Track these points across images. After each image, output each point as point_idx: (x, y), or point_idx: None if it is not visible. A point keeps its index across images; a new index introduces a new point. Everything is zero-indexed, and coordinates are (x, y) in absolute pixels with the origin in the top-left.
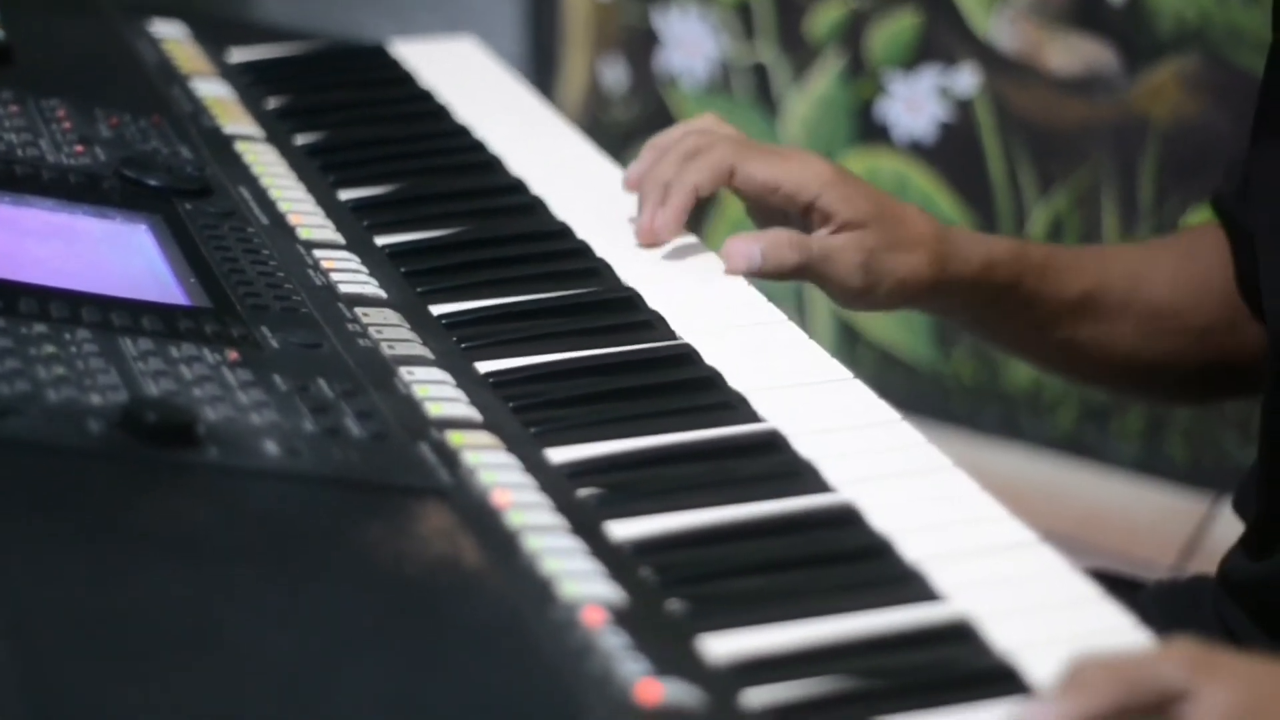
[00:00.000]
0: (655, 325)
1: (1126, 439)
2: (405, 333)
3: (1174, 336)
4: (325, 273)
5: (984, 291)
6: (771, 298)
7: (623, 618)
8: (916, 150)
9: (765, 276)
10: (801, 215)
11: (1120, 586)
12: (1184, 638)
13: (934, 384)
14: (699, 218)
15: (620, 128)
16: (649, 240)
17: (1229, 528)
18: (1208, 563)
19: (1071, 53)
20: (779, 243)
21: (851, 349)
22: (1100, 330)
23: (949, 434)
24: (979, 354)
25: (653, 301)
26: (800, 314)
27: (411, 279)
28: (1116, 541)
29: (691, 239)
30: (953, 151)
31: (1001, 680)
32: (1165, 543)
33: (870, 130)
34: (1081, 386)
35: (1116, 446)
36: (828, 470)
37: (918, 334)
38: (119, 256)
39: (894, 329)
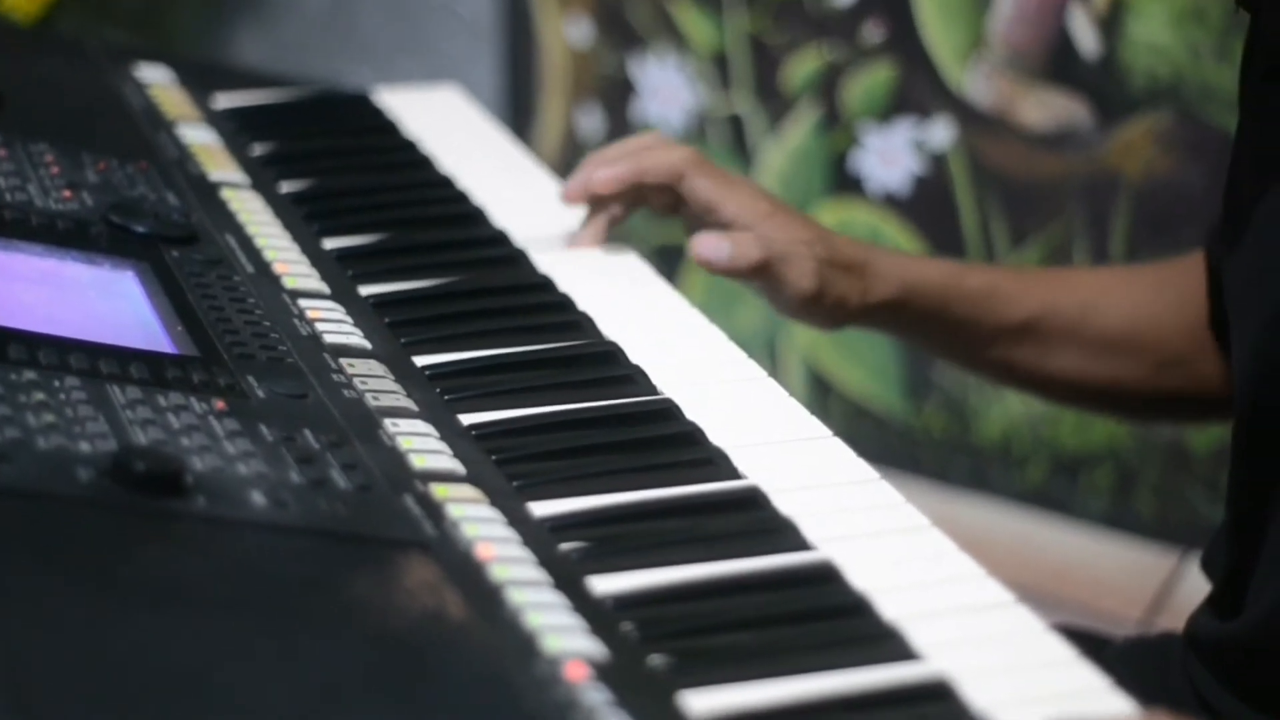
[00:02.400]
0: (637, 380)
1: (1095, 494)
2: (389, 384)
3: (1127, 363)
4: (310, 322)
5: (907, 313)
6: (744, 347)
7: (605, 673)
8: (890, 203)
9: (729, 273)
10: None
11: (1087, 643)
12: (1160, 709)
13: (904, 436)
14: (673, 272)
15: None
16: (576, 193)
17: (1196, 583)
18: (1175, 618)
19: (1045, 108)
20: (745, 240)
21: (823, 400)
22: (1042, 353)
23: (919, 486)
24: (950, 407)
25: (634, 355)
26: (773, 364)
27: (395, 329)
28: (1084, 595)
29: (672, 293)
30: (926, 204)
31: None
32: (1133, 597)
33: (844, 182)
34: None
35: (1085, 501)
36: (807, 528)
37: (889, 386)
38: (107, 303)
39: (866, 381)
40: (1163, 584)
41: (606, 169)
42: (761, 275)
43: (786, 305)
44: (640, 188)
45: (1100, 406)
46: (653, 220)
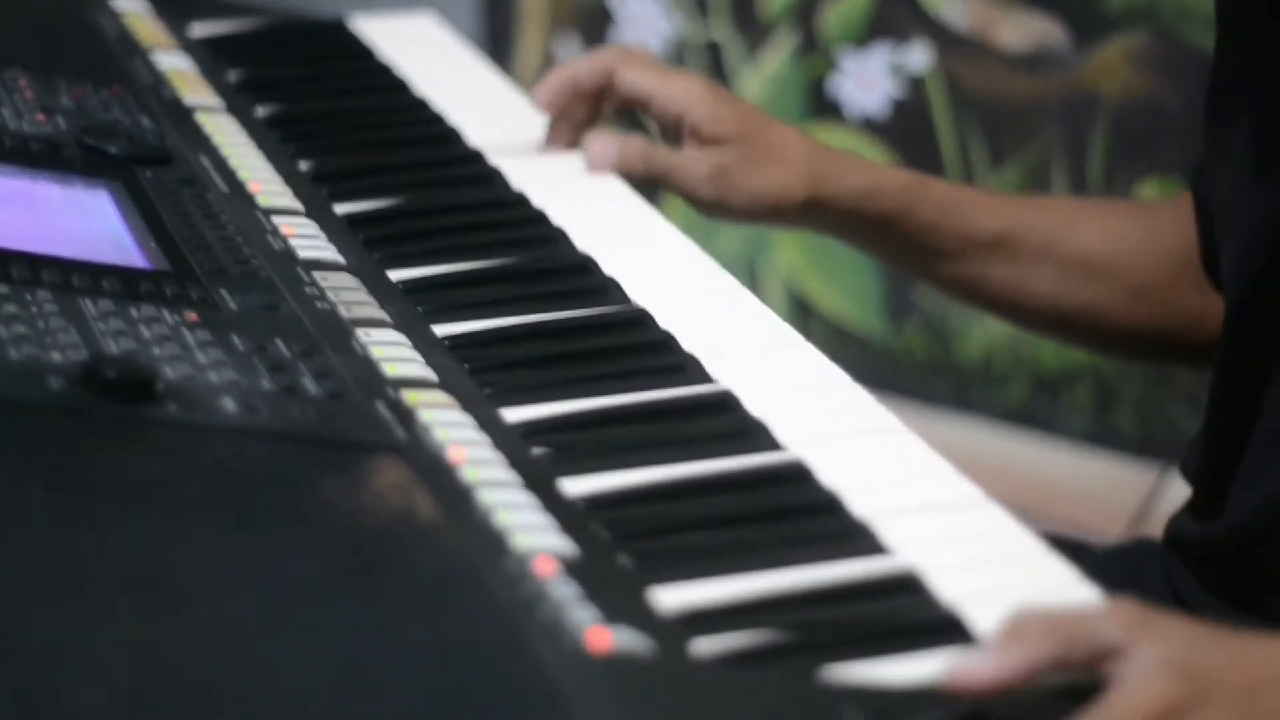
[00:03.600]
0: (610, 291)
1: (1077, 411)
2: (363, 296)
3: (1103, 289)
4: (284, 238)
5: (868, 217)
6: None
7: (574, 569)
8: (869, 127)
9: (620, 172)
10: (673, 130)
11: (1067, 550)
12: (1127, 598)
13: (886, 358)
14: (652, 195)
15: None
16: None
17: (1177, 498)
18: (1157, 532)
19: (1022, 29)
20: (633, 148)
21: (804, 323)
22: (1013, 271)
23: (901, 407)
24: (931, 327)
25: (608, 268)
26: (754, 287)
27: (370, 245)
28: (1068, 512)
29: (648, 209)
30: (905, 128)
31: (947, 630)
32: (1116, 513)
33: (823, 107)
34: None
35: (1067, 419)
36: (778, 429)
37: (870, 308)
38: (80, 221)
39: (847, 303)
40: (1145, 499)
41: (539, 90)
42: (653, 183)
43: (693, 208)
44: (580, 93)
45: (1073, 334)
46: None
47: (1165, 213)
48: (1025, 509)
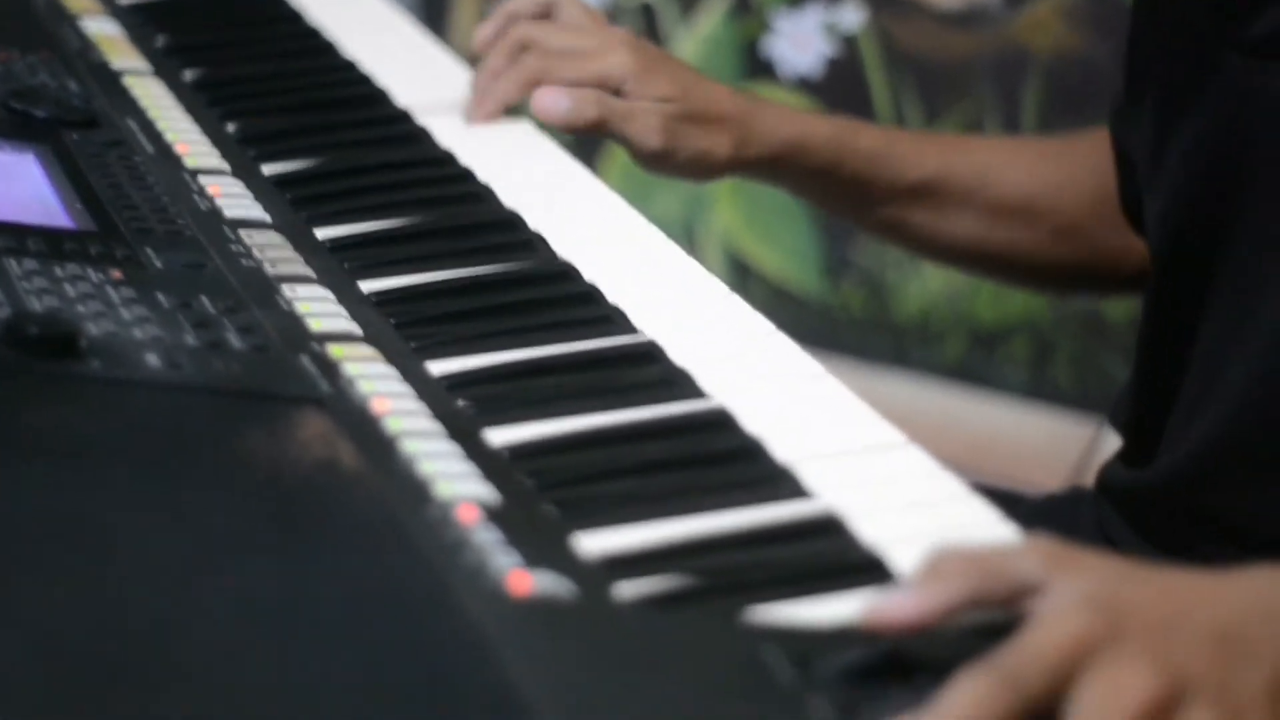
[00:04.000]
0: (536, 245)
1: (1014, 366)
2: (289, 253)
3: (1024, 230)
4: (210, 198)
5: (794, 170)
6: (662, 229)
7: (497, 516)
8: (804, 86)
9: (570, 129)
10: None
11: (1001, 501)
12: (1046, 536)
13: (823, 315)
14: (590, 154)
15: None
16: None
17: (1115, 449)
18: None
19: None
20: (585, 97)
21: (743, 283)
22: (937, 216)
23: (839, 365)
24: (868, 285)
25: (534, 223)
26: (691, 248)
27: (297, 204)
28: (1007, 467)
29: (576, 165)
30: (839, 87)
31: (869, 571)
32: (1054, 467)
33: (757, 67)
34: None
35: (1004, 374)
36: (702, 378)
37: (808, 266)
38: (6, 184)
39: (784, 262)
40: (1083, 452)
41: (478, 114)
42: (604, 131)
43: (639, 161)
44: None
45: (997, 272)
46: None
47: (1087, 151)
48: (965, 464)
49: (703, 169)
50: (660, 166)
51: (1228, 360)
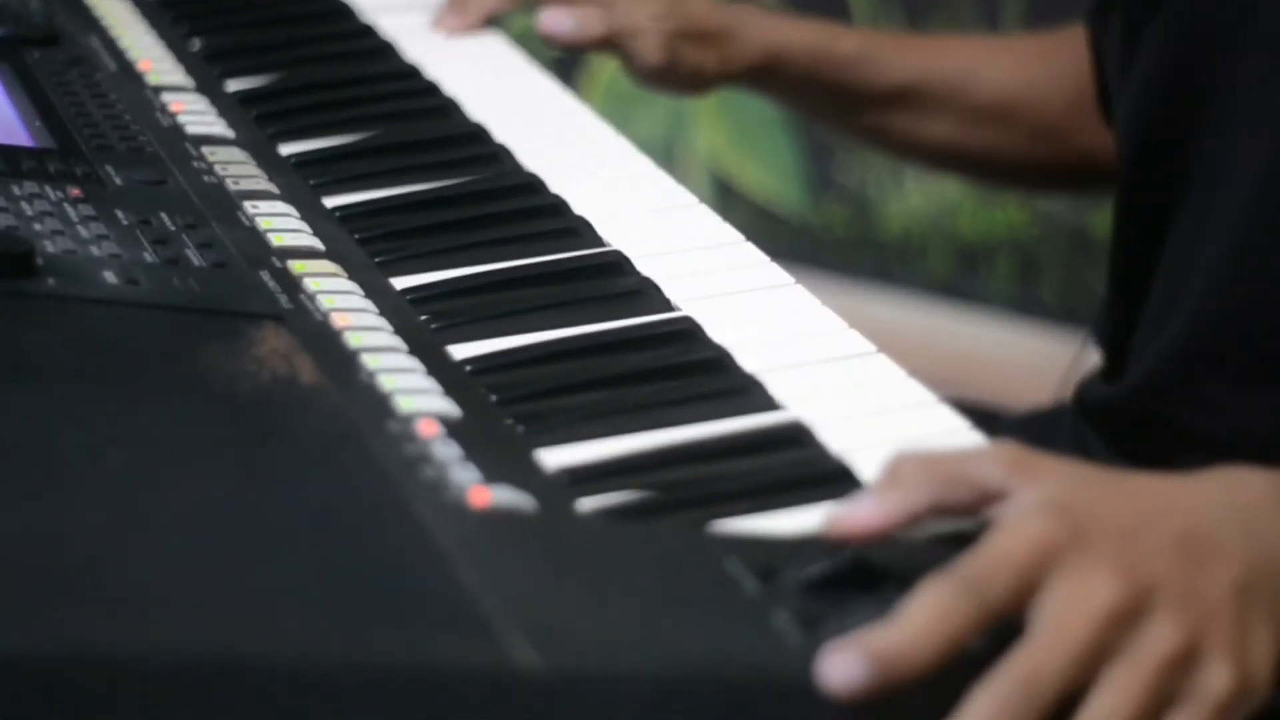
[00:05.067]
0: (501, 158)
1: (999, 283)
2: (251, 170)
3: (1002, 132)
4: (172, 115)
5: (775, 78)
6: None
7: (458, 430)
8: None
9: (573, 47)
10: None
11: (980, 418)
12: (1008, 442)
13: (807, 234)
14: (569, 75)
15: None
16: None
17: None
18: None
19: None
20: (589, 14)
21: (725, 202)
22: (917, 120)
23: (822, 282)
24: (851, 202)
25: (500, 136)
26: (672, 168)
27: (260, 121)
28: (992, 383)
29: (546, 80)
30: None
31: (836, 481)
32: (1041, 383)
33: None
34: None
35: (989, 290)
36: (670, 289)
37: (790, 184)
38: None
39: (767, 180)
40: (1068, 368)
41: (453, 21)
42: (607, 49)
43: (639, 76)
44: None
45: (978, 174)
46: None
47: (1065, 49)
48: (951, 381)
49: (697, 83)
50: (659, 82)
51: (1192, 266)
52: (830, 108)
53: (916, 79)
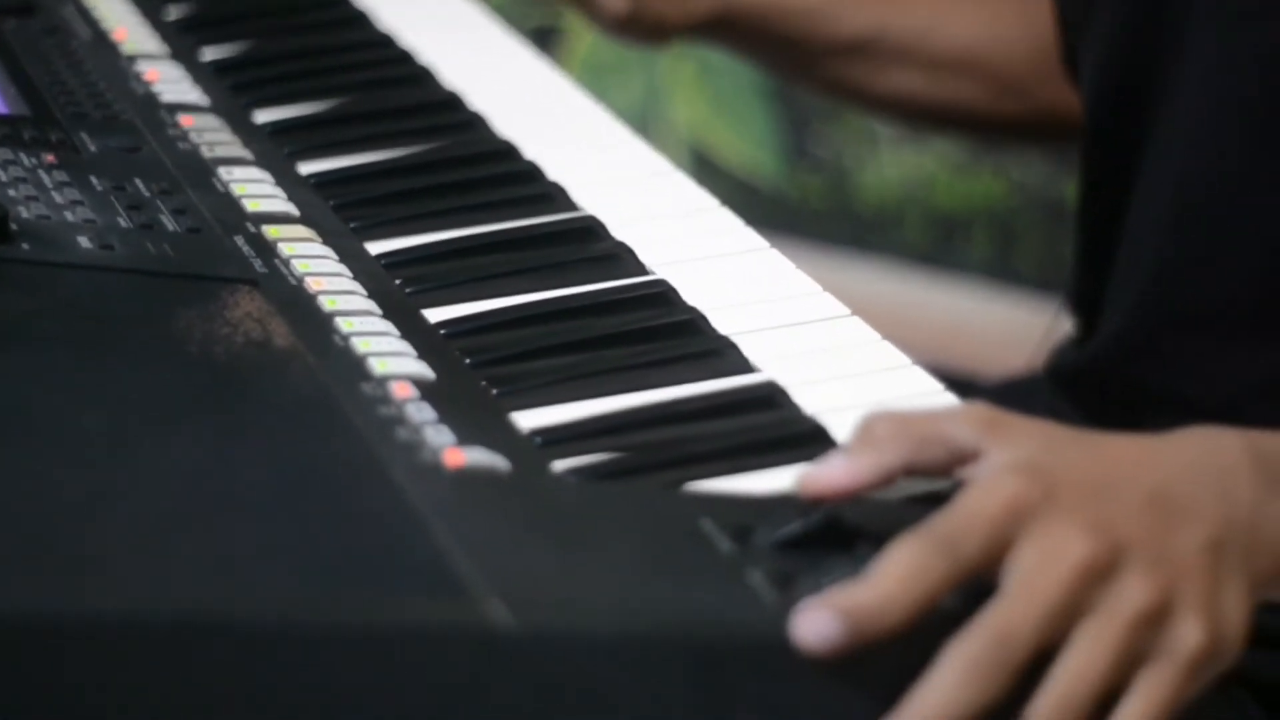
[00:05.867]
0: (476, 124)
1: (976, 252)
2: (226, 136)
3: (965, 85)
4: (147, 83)
5: (733, 30)
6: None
7: (432, 393)
8: None
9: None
10: None
11: (956, 386)
12: (980, 402)
13: (783, 204)
14: (546, 46)
15: None
16: None
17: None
18: None
19: None
20: None
21: (700, 172)
22: (876, 71)
23: (799, 252)
24: (828, 172)
25: (476, 102)
26: (649, 139)
27: (235, 89)
28: (969, 353)
29: (520, 47)
30: None
31: (811, 442)
32: (1018, 353)
33: None
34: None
35: (966, 260)
36: (644, 253)
37: (768, 154)
38: None
39: (744, 150)
40: (1043, 337)
41: None
42: (571, 3)
43: (605, 25)
44: None
45: (941, 126)
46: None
47: (1027, 3)
48: (928, 351)
49: (659, 33)
50: (622, 32)
51: (1153, 223)
52: (790, 60)
53: (875, 30)
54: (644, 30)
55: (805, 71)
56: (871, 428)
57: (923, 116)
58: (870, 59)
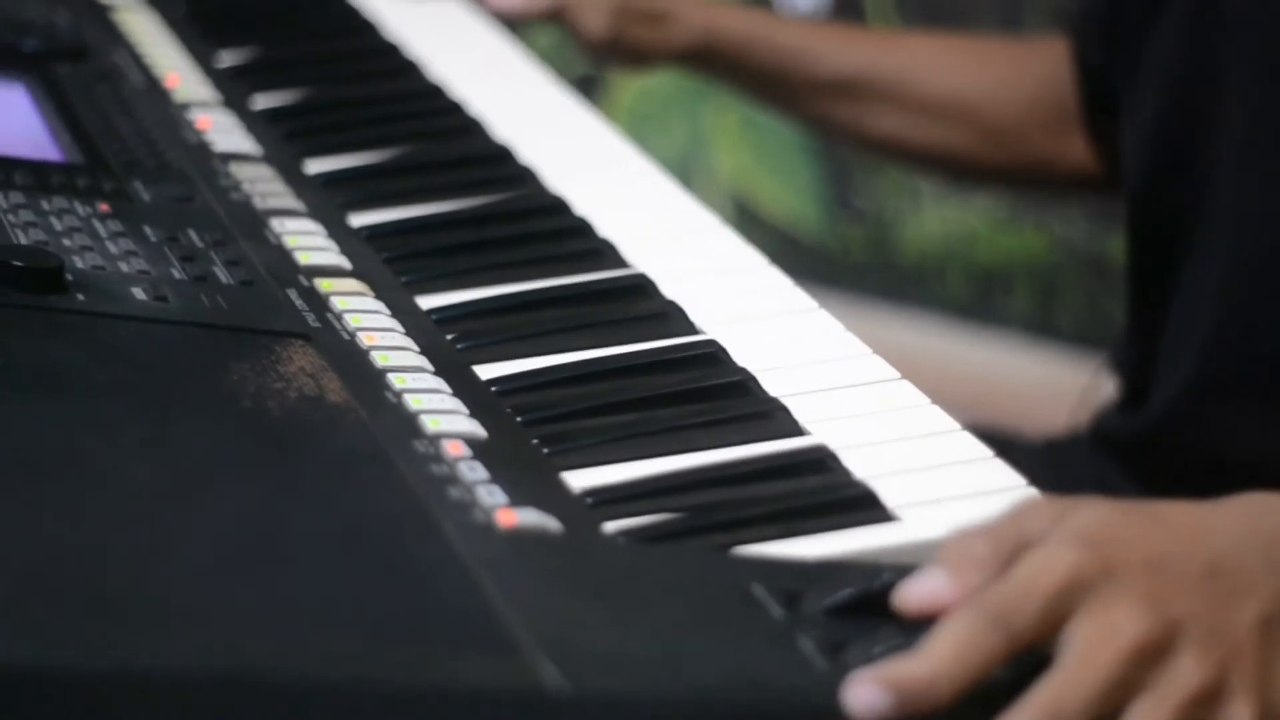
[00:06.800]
0: (527, 178)
1: (1016, 308)
2: (279, 187)
3: (950, 130)
4: (199, 131)
5: (715, 62)
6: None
7: (485, 451)
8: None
9: (522, 18)
10: None
11: (996, 443)
12: (1039, 496)
13: (824, 256)
14: (589, 94)
15: None
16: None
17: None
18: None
19: None
20: None
21: (743, 222)
22: (862, 112)
23: (839, 304)
24: (869, 225)
25: (527, 156)
26: (691, 188)
27: (287, 138)
28: (1007, 408)
29: (569, 98)
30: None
31: (860, 507)
32: (1057, 409)
33: (760, 7)
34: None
35: (1006, 315)
36: (694, 312)
37: (809, 205)
38: None
39: (785, 201)
40: (1083, 393)
41: None
42: (555, 20)
43: (585, 47)
44: None
45: (930, 169)
46: (573, 51)
47: (1031, 55)
48: (966, 405)
49: (638, 59)
50: (603, 56)
51: (1206, 292)
52: (772, 94)
53: (860, 71)
54: (623, 55)
55: (790, 106)
56: (960, 548)
57: (909, 157)
58: (856, 99)
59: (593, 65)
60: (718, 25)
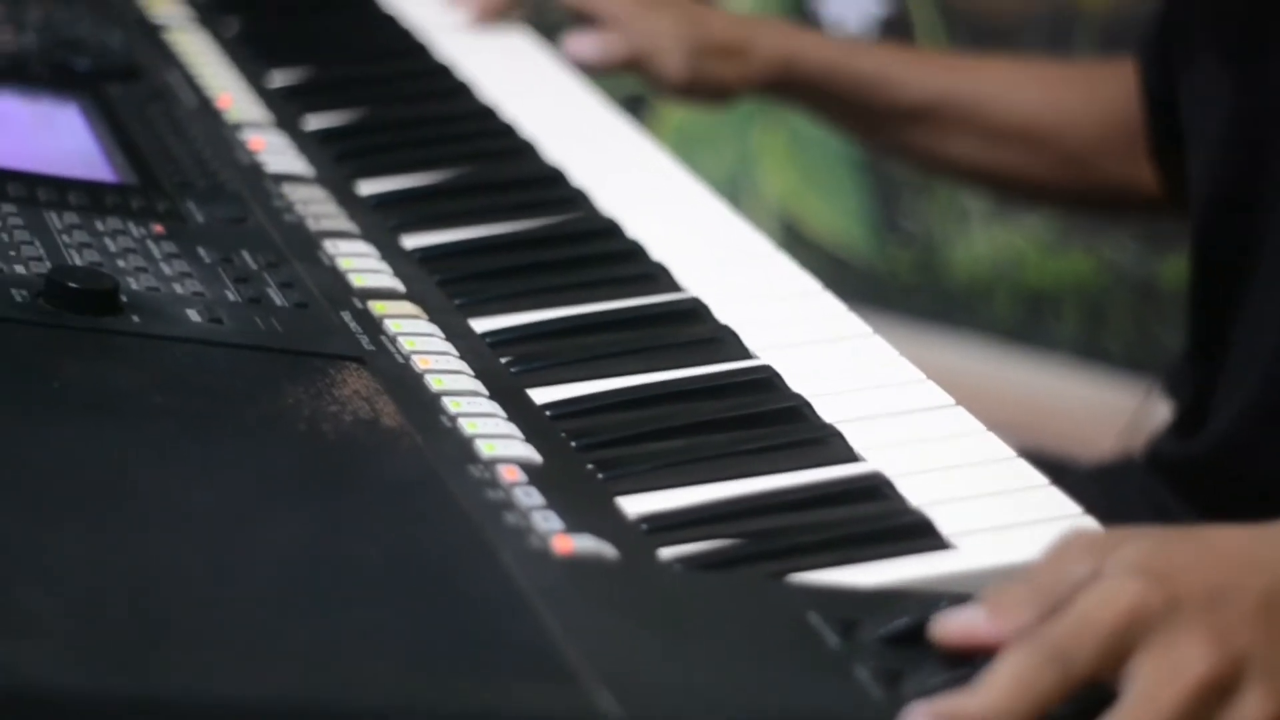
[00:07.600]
0: (580, 201)
1: (1065, 331)
2: (331, 208)
3: (1025, 155)
4: (252, 152)
5: (795, 90)
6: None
7: (540, 476)
8: None
9: (601, 69)
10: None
11: (1048, 468)
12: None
13: (872, 278)
14: (640, 111)
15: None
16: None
17: (1166, 414)
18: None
19: None
20: (613, 38)
21: (791, 242)
22: (938, 137)
23: (888, 326)
24: (917, 247)
25: (578, 178)
26: (738, 207)
27: (340, 159)
28: (1056, 431)
29: (619, 120)
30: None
31: (916, 535)
32: (1105, 433)
33: (807, 22)
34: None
35: (1055, 338)
36: (748, 337)
37: (857, 227)
38: (48, 136)
39: (833, 222)
40: (1133, 418)
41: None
42: (633, 69)
43: (667, 92)
44: None
45: (1001, 192)
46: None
47: (1102, 80)
48: (1015, 428)
49: (720, 95)
50: (684, 96)
51: (1270, 317)
52: (851, 121)
53: (936, 98)
54: (706, 93)
55: (868, 133)
56: (1000, 587)
57: (984, 181)
58: (933, 125)
59: (679, 103)
60: (797, 55)
